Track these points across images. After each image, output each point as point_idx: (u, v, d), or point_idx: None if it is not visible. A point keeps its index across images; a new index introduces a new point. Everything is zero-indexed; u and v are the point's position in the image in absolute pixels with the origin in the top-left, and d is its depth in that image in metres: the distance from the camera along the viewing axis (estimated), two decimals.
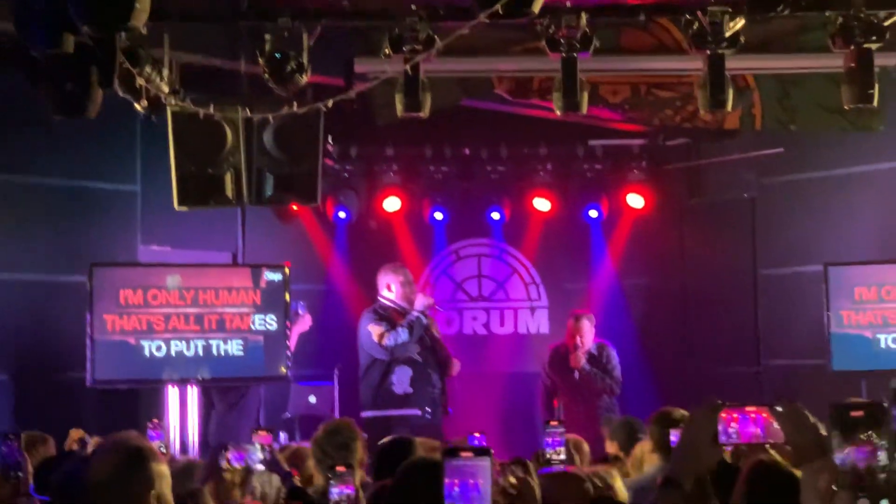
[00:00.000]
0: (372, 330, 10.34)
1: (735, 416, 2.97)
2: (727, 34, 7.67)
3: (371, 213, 12.65)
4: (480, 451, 2.65)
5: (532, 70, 9.09)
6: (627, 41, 9.00)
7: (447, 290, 13.09)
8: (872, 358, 10.14)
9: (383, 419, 10.18)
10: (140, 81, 7.42)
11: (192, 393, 9.93)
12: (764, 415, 2.95)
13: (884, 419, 2.13)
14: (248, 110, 8.31)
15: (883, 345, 10.13)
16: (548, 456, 5.18)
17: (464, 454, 2.63)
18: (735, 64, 8.14)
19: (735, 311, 12.14)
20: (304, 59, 7.59)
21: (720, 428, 2.97)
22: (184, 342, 9.93)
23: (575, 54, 7.77)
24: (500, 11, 6.55)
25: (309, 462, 6.33)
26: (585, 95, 7.95)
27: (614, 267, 12.93)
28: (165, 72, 7.77)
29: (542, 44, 7.85)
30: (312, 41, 7.70)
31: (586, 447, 7.49)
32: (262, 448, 5.64)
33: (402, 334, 10.30)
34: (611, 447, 7.53)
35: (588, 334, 11.09)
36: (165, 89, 7.78)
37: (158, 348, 9.84)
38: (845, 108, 8.18)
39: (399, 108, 7.94)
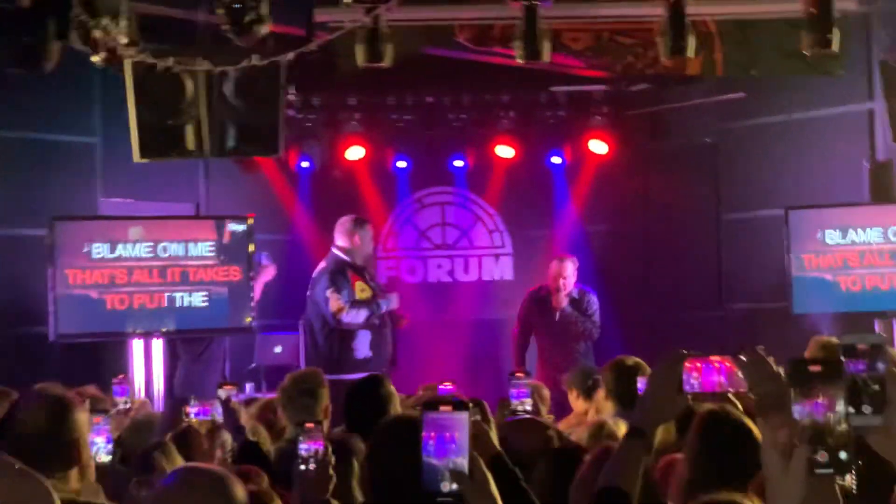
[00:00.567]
0: (331, 298, 10.25)
1: (699, 365, 2.99)
2: None
3: (334, 162, 12.60)
4: (459, 405, 2.64)
5: (493, 18, 9.05)
6: None
7: (411, 238, 13.10)
8: (833, 301, 10.22)
9: (343, 383, 10.19)
10: (97, 33, 7.34)
11: (157, 345, 9.92)
12: (727, 364, 2.97)
13: (841, 374, 2.15)
14: (208, 62, 8.24)
15: (843, 287, 10.21)
16: (513, 407, 5.20)
17: (443, 408, 2.64)
18: (696, 10, 8.14)
19: (698, 255, 12.20)
20: (264, 10, 7.51)
21: (684, 377, 2.99)
22: (147, 295, 9.90)
23: (536, 2, 7.74)
24: None
25: (280, 413, 6.35)
26: (547, 44, 7.93)
27: (578, 213, 12.96)
28: (123, 23, 7.67)
29: None
30: None
31: (546, 392, 7.57)
32: (221, 402, 5.64)
33: (360, 316, 10.28)
34: (571, 395, 7.60)
35: (571, 277, 11.07)
36: (123, 41, 7.68)
37: (122, 301, 9.81)
38: (805, 52, 8.19)
39: (360, 58, 7.90)
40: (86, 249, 9.73)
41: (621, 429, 5.11)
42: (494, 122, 12.68)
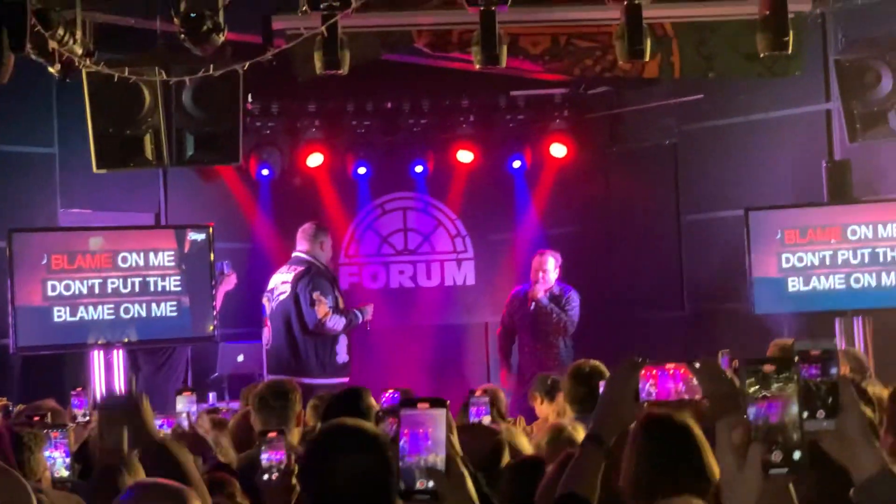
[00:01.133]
0: (318, 302, 10.23)
1: (654, 373, 3.01)
2: None
3: (294, 169, 12.58)
4: (437, 402, 2.63)
5: (451, 23, 9.06)
6: None
7: (373, 244, 13.09)
8: (793, 301, 10.28)
9: (330, 388, 10.24)
10: (53, 44, 7.30)
11: (118, 356, 9.87)
12: (682, 371, 3.00)
13: (795, 374, 2.17)
14: (164, 72, 8.21)
15: (803, 287, 10.27)
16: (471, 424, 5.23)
17: (420, 405, 2.63)
18: (652, 13, 8.18)
19: (659, 256, 12.25)
20: (220, 18, 7.49)
21: (640, 385, 3.01)
22: (109, 306, 9.84)
23: (493, 7, 7.75)
24: None
25: (253, 420, 6.30)
26: (505, 49, 7.94)
27: (539, 217, 12.99)
28: (78, 33, 7.64)
29: None
30: None
31: (502, 395, 7.62)
32: (188, 417, 5.62)
33: (340, 324, 10.29)
34: (536, 402, 7.63)
35: (551, 272, 11.06)
36: (79, 52, 7.66)
37: (82, 312, 9.75)
38: (760, 55, 8.25)
39: (318, 65, 7.89)
40: (45, 261, 9.67)
41: (580, 432, 5.13)
42: (454, 126, 12.70)
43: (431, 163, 12.76)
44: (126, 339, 9.90)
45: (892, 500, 2.12)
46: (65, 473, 4.10)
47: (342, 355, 10.46)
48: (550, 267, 11.05)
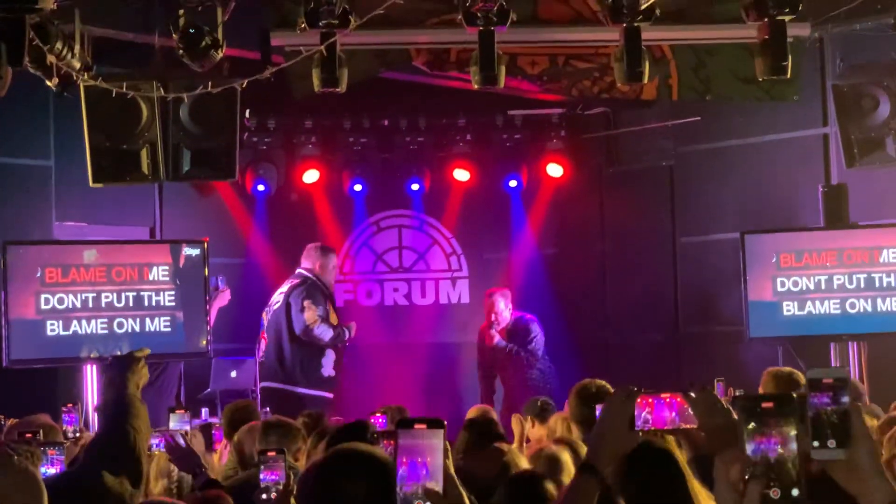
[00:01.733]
0: (307, 308, 10.38)
1: (650, 401, 3.00)
2: (642, 7, 7.68)
3: (290, 185, 12.57)
4: (434, 423, 2.61)
5: (449, 42, 9.06)
6: (545, 12, 8.99)
7: (368, 261, 13.07)
8: (789, 325, 10.27)
9: (296, 396, 10.33)
10: (51, 58, 7.29)
11: None
12: (679, 400, 2.99)
13: (793, 409, 2.16)
14: (162, 88, 8.20)
15: (799, 311, 10.26)
16: None
17: (417, 426, 2.60)
18: (651, 35, 8.17)
19: (654, 278, 12.24)
20: (219, 35, 7.50)
21: (636, 413, 3.00)
22: (102, 320, 9.81)
23: (492, 28, 7.74)
24: None
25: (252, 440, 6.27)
26: (503, 69, 7.94)
27: (534, 236, 12.98)
28: (77, 48, 7.64)
29: (459, 16, 7.82)
30: (227, 15, 7.61)
31: (495, 415, 7.62)
32: (184, 436, 5.59)
33: (327, 334, 10.44)
34: (527, 424, 7.61)
35: (503, 311, 11.24)
36: (77, 66, 7.65)
37: (76, 326, 9.71)
38: (759, 79, 8.25)
39: (316, 83, 7.88)
40: (39, 274, 9.64)
41: (563, 454, 5.11)
42: (451, 145, 12.70)
43: (427, 181, 12.75)
44: (118, 354, 9.84)
45: None
46: None
47: (328, 369, 10.61)
48: (501, 307, 11.32)
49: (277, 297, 10.78)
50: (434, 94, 11.60)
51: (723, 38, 8.97)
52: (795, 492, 2.10)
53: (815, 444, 2.10)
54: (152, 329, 9.99)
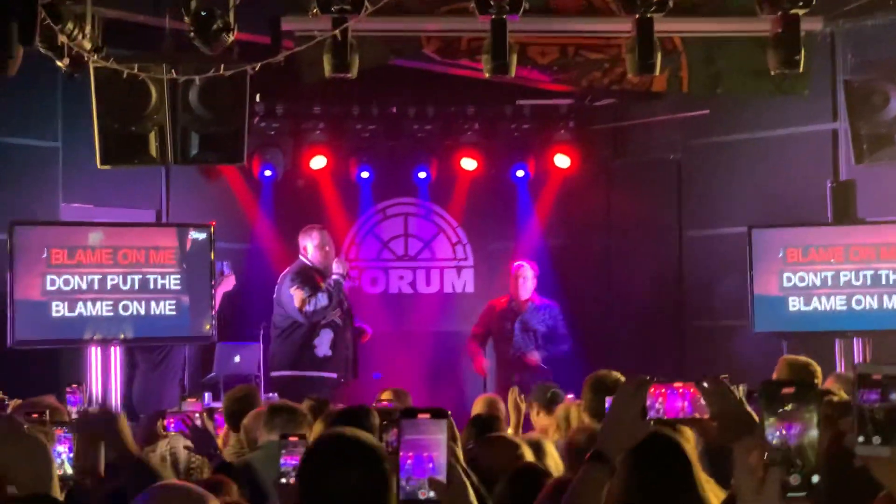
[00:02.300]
0: (294, 294, 10.43)
1: (663, 391, 2.99)
2: None
3: (297, 171, 12.56)
4: (438, 413, 2.61)
5: (461, 30, 9.04)
6: (557, 2, 8.98)
7: (373, 249, 13.06)
8: (794, 320, 10.25)
9: (300, 379, 10.28)
10: (62, 38, 7.27)
11: (115, 354, 9.82)
12: (691, 390, 2.98)
13: (814, 396, 2.15)
14: (173, 70, 8.19)
15: (804, 306, 10.25)
16: None
17: (421, 415, 2.59)
18: (663, 27, 8.15)
19: (659, 271, 12.23)
20: (231, 18, 7.47)
21: (648, 403, 2.99)
22: (108, 302, 9.80)
23: (504, 17, 7.72)
24: None
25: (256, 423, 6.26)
26: (514, 58, 7.92)
27: (540, 227, 12.97)
28: (88, 28, 7.62)
29: (471, 4, 7.80)
30: None
31: (502, 405, 7.60)
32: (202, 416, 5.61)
33: (322, 300, 10.41)
34: (532, 411, 7.59)
35: (529, 279, 11.39)
36: (88, 46, 7.63)
37: (81, 308, 9.69)
38: (771, 72, 8.23)
39: (327, 68, 7.86)
40: (45, 255, 9.62)
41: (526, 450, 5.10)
42: (459, 134, 12.68)
43: (434, 169, 12.74)
44: (123, 337, 9.85)
45: None
46: (69, 471, 4.06)
47: (322, 348, 10.52)
48: (529, 274, 11.41)
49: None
50: (443, 83, 11.58)
51: (735, 31, 8.95)
52: (815, 478, 2.11)
53: (861, 439, 2.09)
54: (157, 312, 9.96)
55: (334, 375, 10.55)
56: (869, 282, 10.14)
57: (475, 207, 12.96)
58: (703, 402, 2.97)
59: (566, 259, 12.77)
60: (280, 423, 5.85)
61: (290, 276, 10.58)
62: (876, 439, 2.09)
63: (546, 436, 6.66)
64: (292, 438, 3.93)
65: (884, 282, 10.11)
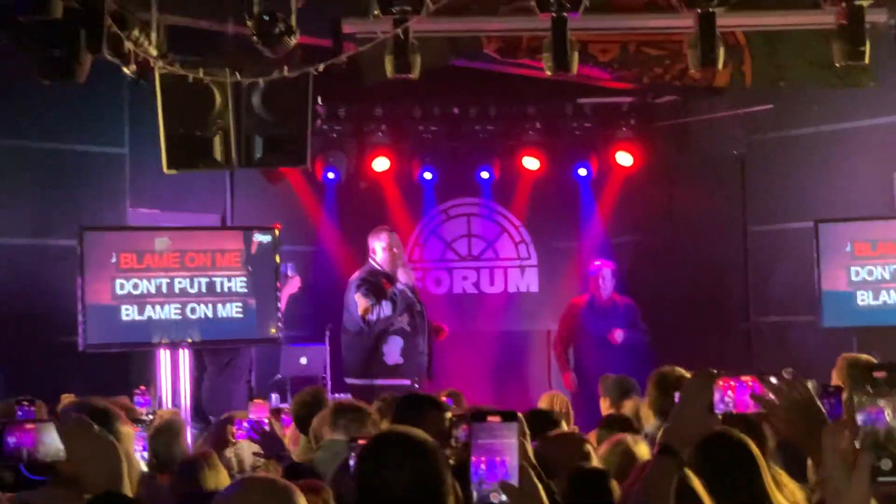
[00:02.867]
0: (358, 301, 10.35)
1: (731, 384, 2.98)
2: None
3: (360, 173, 12.62)
4: (508, 416, 2.59)
5: (521, 30, 9.02)
6: None
7: (437, 249, 13.09)
8: (862, 315, 10.16)
9: (370, 388, 10.22)
10: (128, 45, 7.36)
11: (184, 356, 9.92)
12: (759, 385, 2.96)
13: None
14: (237, 73, 8.25)
15: (873, 301, 10.15)
16: None
17: (490, 418, 2.58)
18: (725, 21, 8.09)
19: (724, 267, 12.16)
20: (293, 21, 7.52)
21: (716, 397, 2.98)
22: (176, 305, 9.91)
23: (565, 14, 7.70)
24: None
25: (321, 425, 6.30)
26: (576, 56, 7.89)
27: (603, 225, 12.94)
28: (153, 35, 7.71)
29: (532, 3, 7.79)
30: (301, 2, 7.64)
31: (566, 400, 7.62)
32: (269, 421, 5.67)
33: (386, 309, 10.33)
34: (603, 403, 7.59)
35: (609, 278, 11.53)
36: (154, 53, 7.72)
37: (150, 312, 9.81)
38: (835, 64, 8.15)
39: (389, 69, 7.88)
40: (114, 259, 9.75)
41: (641, 447, 5.09)
42: (521, 133, 12.68)
43: (497, 169, 12.75)
44: (191, 340, 9.95)
45: None
46: (143, 468, 4.13)
47: (392, 356, 10.44)
48: (608, 274, 11.54)
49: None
50: (503, 82, 11.59)
51: (798, 24, 8.85)
52: None
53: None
54: (224, 315, 10.06)
55: (407, 382, 10.41)
56: None
57: (538, 207, 12.96)
58: (770, 396, 2.95)
59: (630, 256, 12.73)
60: (344, 422, 5.88)
61: (356, 282, 10.50)
62: None
63: None
64: (361, 441, 3.96)
65: None
